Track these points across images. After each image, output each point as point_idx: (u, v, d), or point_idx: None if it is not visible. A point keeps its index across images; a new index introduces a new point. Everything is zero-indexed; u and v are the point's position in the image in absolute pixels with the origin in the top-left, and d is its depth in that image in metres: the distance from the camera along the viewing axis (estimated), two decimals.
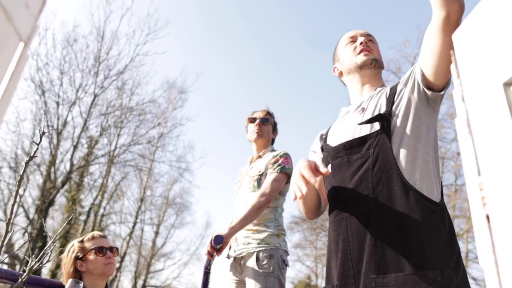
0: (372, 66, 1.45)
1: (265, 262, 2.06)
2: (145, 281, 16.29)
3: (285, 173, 2.23)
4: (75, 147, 12.52)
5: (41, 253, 1.28)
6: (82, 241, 1.89)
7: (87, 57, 12.94)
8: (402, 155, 1.21)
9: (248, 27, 25.88)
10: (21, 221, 12.07)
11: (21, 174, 1.18)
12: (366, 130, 1.29)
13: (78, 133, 12.65)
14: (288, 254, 2.23)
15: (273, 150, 2.41)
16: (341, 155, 1.32)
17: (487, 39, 0.41)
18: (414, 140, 1.22)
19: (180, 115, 16.57)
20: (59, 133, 12.37)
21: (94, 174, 13.36)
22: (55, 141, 12.30)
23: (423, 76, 1.22)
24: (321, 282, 17.94)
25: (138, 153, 13.86)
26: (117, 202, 14.79)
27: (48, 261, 1.24)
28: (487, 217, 0.36)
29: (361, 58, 1.46)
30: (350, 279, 1.16)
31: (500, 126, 0.37)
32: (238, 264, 2.19)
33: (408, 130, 1.24)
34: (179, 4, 24.45)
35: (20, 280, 1.24)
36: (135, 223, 15.01)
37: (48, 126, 11.99)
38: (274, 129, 2.53)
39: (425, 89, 1.22)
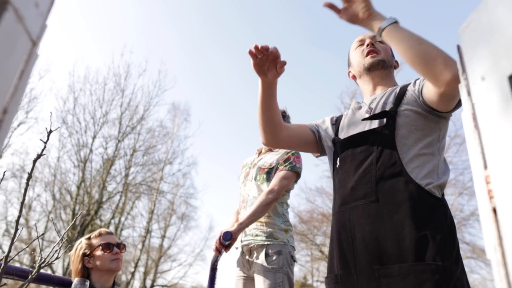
0: (380, 67, 1.44)
1: (274, 258, 2.07)
2: (153, 280, 16.67)
3: (295, 172, 2.26)
4: (104, 185, 14.70)
5: (50, 251, 1.30)
6: (89, 238, 1.90)
7: (111, 109, 15.46)
8: (406, 152, 1.22)
9: (249, 23, 25.71)
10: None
11: (29, 172, 1.20)
12: (372, 125, 1.31)
13: (105, 174, 14.84)
14: (295, 250, 2.25)
15: None
16: (347, 148, 1.34)
17: (492, 32, 0.41)
18: (419, 138, 1.23)
19: (185, 134, 19.03)
20: (84, 164, 14.53)
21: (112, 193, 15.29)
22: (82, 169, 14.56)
23: (427, 101, 1.23)
24: (316, 282, 18.25)
25: (149, 185, 16.43)
26: (131, 217, 16.43)
27: (57, 258, 1.26)
28: (494, 210, 0.36)
29: (368, 60, 1.45)
30: (352, 269, 1.18)
31: (506, 119, 0.37)
32: (246, 260, 2.21)
33: (413, 128, 1.24)
34: (181, 1, 24.41)
35: (30, 276, 1.25)
36: (146, 233, 16.29)
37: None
38: None
39: (431, 110, 1.24)
